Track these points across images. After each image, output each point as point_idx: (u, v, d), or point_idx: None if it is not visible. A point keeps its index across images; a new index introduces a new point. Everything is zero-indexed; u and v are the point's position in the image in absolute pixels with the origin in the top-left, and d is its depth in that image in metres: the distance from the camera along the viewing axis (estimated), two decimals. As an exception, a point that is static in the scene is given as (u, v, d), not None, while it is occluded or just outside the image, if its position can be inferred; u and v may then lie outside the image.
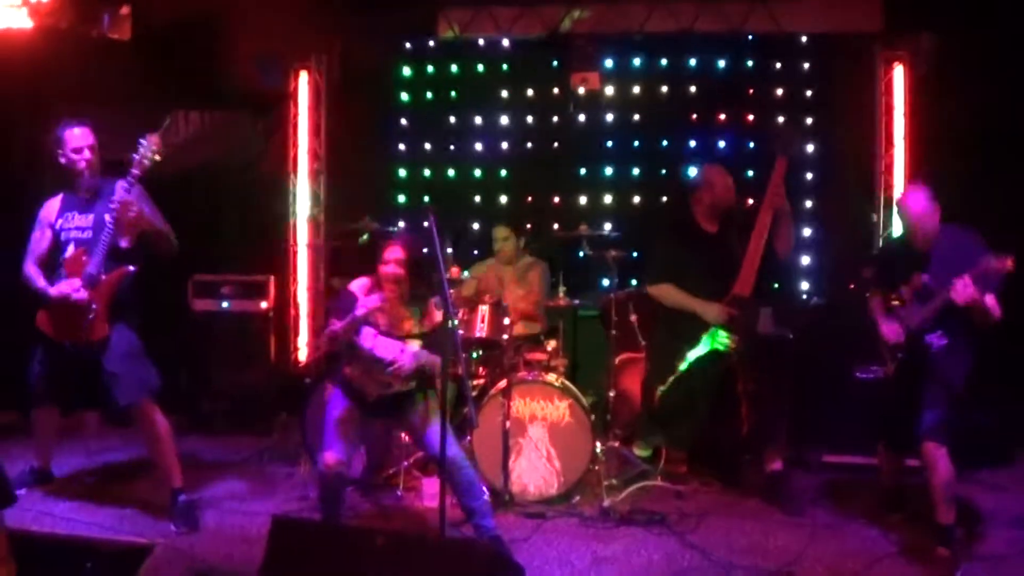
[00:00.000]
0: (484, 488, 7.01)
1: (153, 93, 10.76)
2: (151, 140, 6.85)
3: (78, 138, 7.07)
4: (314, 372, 9.72)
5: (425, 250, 6.48)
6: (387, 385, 6.55)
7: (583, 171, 11.47)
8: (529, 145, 11.59)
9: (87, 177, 7.09)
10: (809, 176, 11.02)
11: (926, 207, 6.75)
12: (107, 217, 6.80)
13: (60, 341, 7.02)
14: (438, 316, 6.55)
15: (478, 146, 11.66)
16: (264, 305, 10.42)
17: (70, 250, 6.99)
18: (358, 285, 6.66)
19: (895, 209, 7.27)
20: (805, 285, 10.99)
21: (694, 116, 11.27)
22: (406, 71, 11.80)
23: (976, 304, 6.29)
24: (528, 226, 10.73)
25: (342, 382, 6.69)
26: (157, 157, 6.86)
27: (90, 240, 6.94)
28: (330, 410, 6.62)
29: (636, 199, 11.32)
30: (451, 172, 11.68)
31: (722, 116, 11.21)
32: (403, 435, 7.92)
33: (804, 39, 10.91)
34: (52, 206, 7.22)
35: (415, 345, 6.54)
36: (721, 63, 11.22)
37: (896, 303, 7.01)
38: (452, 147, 11.73)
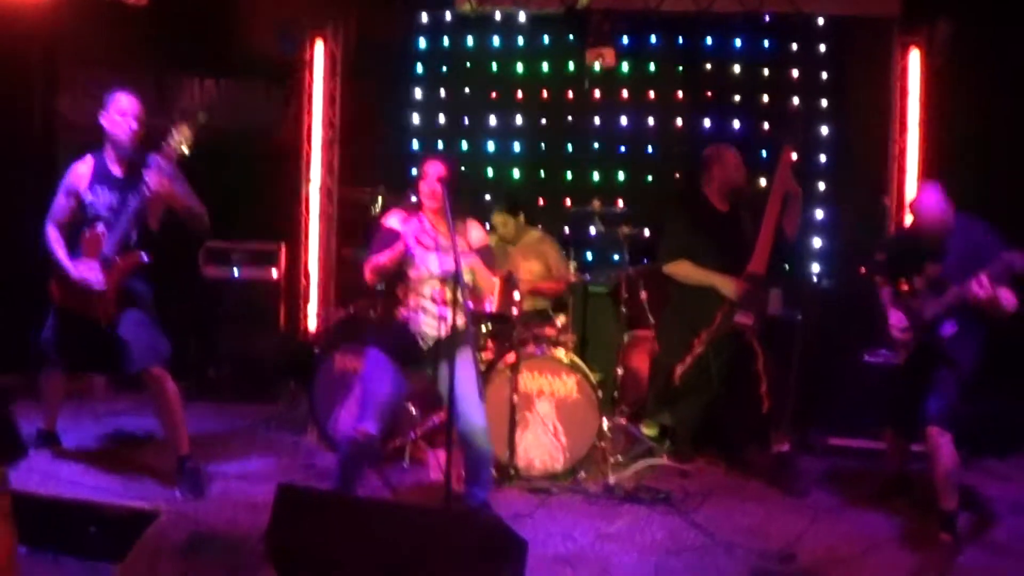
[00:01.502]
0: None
1: (169, 59, 10.77)
2: (182, 130, 6.81)
3: (127, 104, 6.98)
4: (323, 341, 9.74)
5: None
6: (441, 319, 6.49)
7: (596, 147, 11.46)
8: (543, 120, 11.57)
9: (126, 147, 6.99)
10: (823, 159, 11.00)
11: (939, 207, 6.74)
12: (134, 199, 6.78)
13: (71, 309, 7.03)
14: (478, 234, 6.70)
15: (492, 120, 11.64)
16: (275, 273, 10.44)
17: (95, 227, 6.94)
18: (396, 217, 6.63)
19: (908, 208, 7.24)
20: (816, 267, 10.99)
21: (709, 95, 11.25)
22: (422, 43, 11.77)
23: (993, 302, 6.28)
24: (540, 201, 10.73)
25: (389, 336, 6.61)
26: (185, 149, 6.83)
27: (113, 220, 6.91)
28: (371, 379, 6.54)
29: (649, 177, 11.32)
30: (464, 145, 11.67)
31: (737, 97, 11.20)
32: (411, 406, 7.94)
33: (821, 21, 10.90)
34: (81, 173, 7.08)
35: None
36: (737, 43, 11.20)
37: (906, 288, 7.00)
38: (466, 120, 11.70)
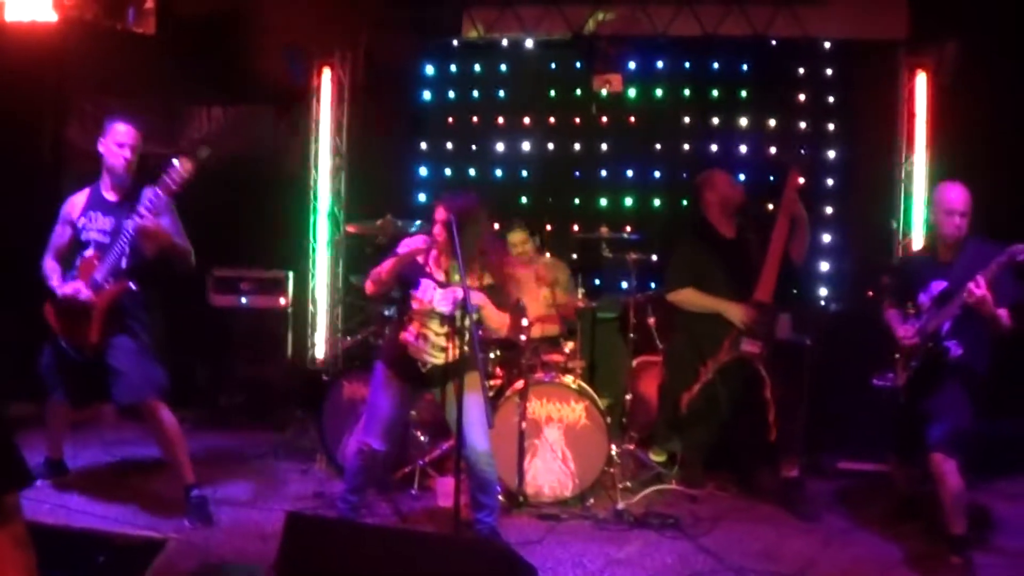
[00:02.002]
0: (499, 489, 7.01)
1: (176, 87, 10.81)
2: (184, 165, 6.75)
3: (123, 134, 7.04)
4: (331, 369, 9.74)
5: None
6: (441, 350, 6.53)
7: (604, 173, 11.46)
8: (551, 146, 11.57)
9: (121, 175, 7.05)
10: (830, 182, 10.99)
11: (962, 198, 6.75)
12: (128, 224, 6.78)
13: (61, 337, 7.05)
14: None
15: (500, 146, 11.65)
16: (282, 301, 10.45)
17: (88, 252, 6.98)
18: (413, 240, 6.68)
19: (928, 201, 7.21)
20: (824, 291, 10.97)
21: (716, 120, 11.27)
22: (429, 70, 11.80)
23: (986, 304, 6.26)
24: (548, 227, 10.75)
25: (395, 354, 6.66)
26: (185, 182, 6.82)
27: (106, 245, 6.92)
28: (376, 394, 6.67)
29: (657, 202, 11.32)
30: (472, 172, 11.66)
31: (744, 121, 11.20)
32: (419, 434, 7.95)
33: (828, 44, 10.89)
34: (76, 202, 7.19)
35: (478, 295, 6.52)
36: (745, 67, 11.20)
37: (912, 312, 7.00)
38: (474, 147, 11.72)
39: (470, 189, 7.04)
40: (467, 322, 6.19)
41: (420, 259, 6.54)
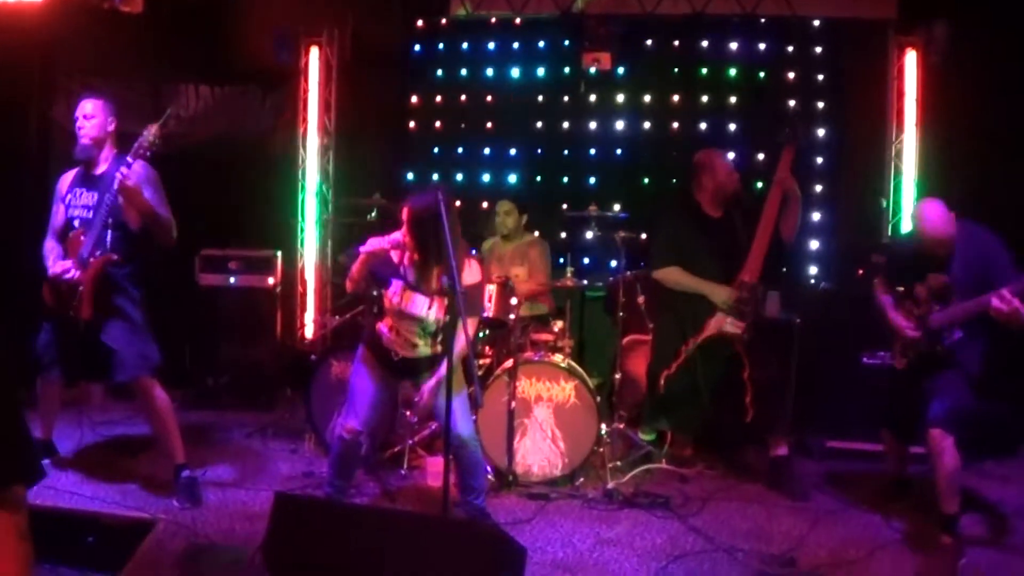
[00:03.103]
0: (487, 469, 6.98)
1: (164, 67, 10.77)
2: (151, 130, 6.74)
3: (89, 108, 7.01)
4: (320, 349, 9.73)
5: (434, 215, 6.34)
6: (413, 346, 6.53)
7: (593, 151, 11.45)
8: (539, 125, 11.55)
9: (86, 147, 7.00)
10: (819, 161, 10.97)
11: (943, 221, 6.71)
12: (107, 197, 6.75)
13: (58, 315, 7.02)
14: (468, 275, 6.50)
15: (488, 124, 11.63)
16: (271, 281, 10.43)
17: (75, 229, 6.95)
18: (377, 239, 6.57)
19: (912, 219, 7.19)
20: (814, 270, 10.96)
21: (705, 99, 11.24)
22: (417, 48, 11.77)
23: (1015, 315, 6.23)
24: (537, 205, 10.74)
25: (373, 340, 6.63)
26: (155, 147, 6.79)
27: (90, 220, 6.89)
28: (357, 376, 6.62)
29: (646, 180, 11.29)
30: (460, 150, 11.66)
31: (733, 99, 11.18)
32: (408, 414, 7.93)
33: (817, 23, 10.89)
34: (66, 179, 7.17)
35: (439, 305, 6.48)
36: (733, 46, 11.17)
37: (903, 292, 6.98)
38: (463, 125, 11.69)
39: (439, 185, 6.93)
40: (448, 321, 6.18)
41: (395, 257, 6.46)
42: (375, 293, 6.87)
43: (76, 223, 6.95)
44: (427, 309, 6.39)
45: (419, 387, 6.64)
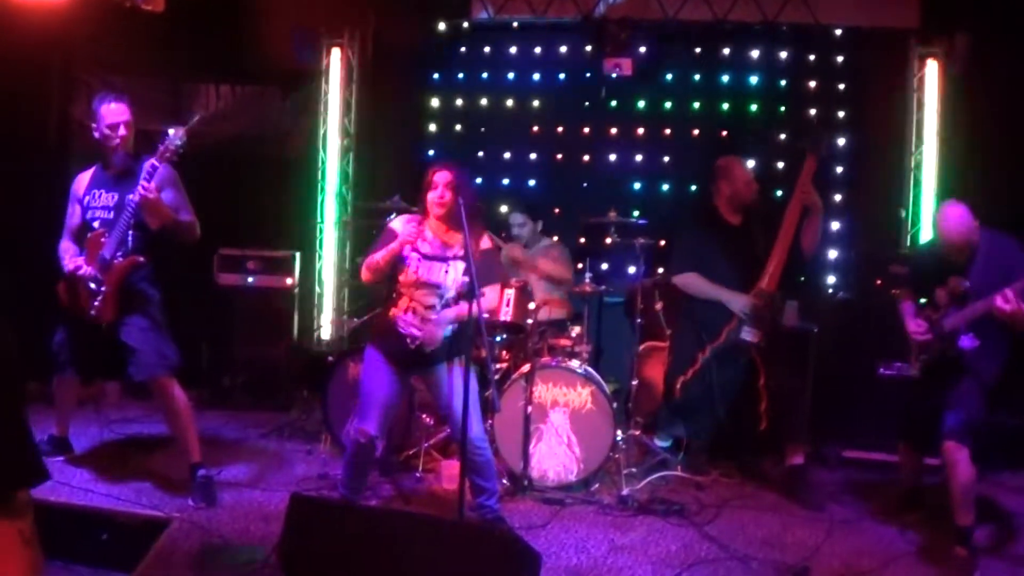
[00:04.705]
0: (495, 471, 6.96)
1: (184, 66, 10.80)
2: (178, 133, 6.76)
3: (114, 113, 6.99)
4: (337, 350, 9.73)
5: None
6: (428, 322, 6.46)
7: (613, 157, 11.43)
8: (560, 129, 11.55)
9: (120, 154, 7.03)
10: (839, 170, 10.95)
11: (965, 224, 6.66)
12: (131, 198, 6.75)
13: (75, 315, 7.02)
14: (483, 243, 6.60)
15: (509, 129, 11.63)
16: (289, 281, 10.45)
17: (94, 229, 6.95)
18: (401, 220, 6.59)
19: (933, 224, 7.15)
20: (832, 279, 10.95)
21: (726, 106, 11.23)
22: (439, 51, 11.76)
23: (1017, 316, 6.22)
24: (556, 210, 10.74)
25: (385, 333, 6.56)
26: (181, 151, 6.79)
27: (111, 221, 6.91)
28: (369, 378, 6.55)
29: (665, 187, 11.30)
30: (480, 154, 11.65)
31: (754, 107, 11.17)
32: (424, 416, 7.94)
33: (839, 32, 10.87)
34: (82, 180, 7.17)
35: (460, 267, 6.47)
36: (755, 53, 11.16)
37: (926, 303, 6.97)
38: (482, 129, 11.70)
39: (466, 167, 6.94)
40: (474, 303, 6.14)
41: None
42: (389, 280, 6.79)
43: (96, 224, 6.96)
44: (444, 274, 6.39)
45: (430, 382, 6.67)
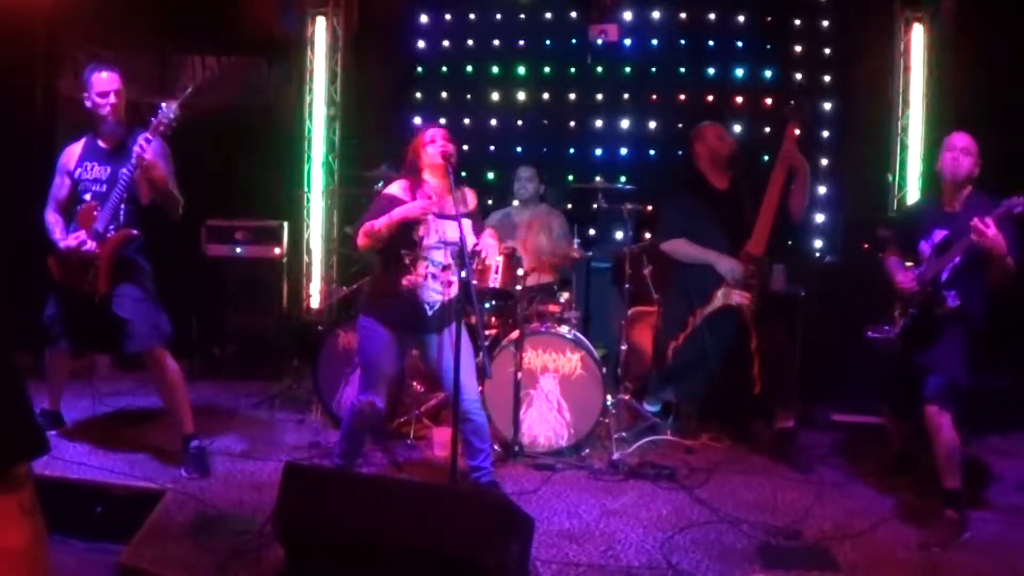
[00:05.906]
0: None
1: (169, 37, 10.75)
2: (171, 106, 6.76)
3: (105, 82, 6.98)
4: (326, 319, 9.75)
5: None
6: (448, 284, 6.48)
7: (599, 123, 11.43)
8: (546, 96, 11.56)
9: (111, 123, 7.02)
10: (825, 134, 10.96)
11: (963, 137, 6.66)
12: (124, 171, 6.77)
13: (67, 288, 7.03)
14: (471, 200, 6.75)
15: (495, 96, 11.63)
16: (277, 251, 10.46)
17: (87, 202, 6.95)
18: (399, 187, 6.58)
19: (923, 156, 7.13)
20: (819, 243, 10.96)
21: (711, 71, 11.22)
22: (424, 18, 11.75)
23: (996, 247, 6.18)
24: (544, 176, 10.76)
25: (387, 303, 6.52)
26: (174, 124, 6.80)
27: (104, 194, 6.91)
28: (370, 349, 6.55)
29: (652, 152, 11.29)
30: (467, 121, 11.65)
31: (740, 71, 11.17)
32: (415, 384, 7.96)
33: (824, -4, 10.87)
34: (72, 152, 7.15)
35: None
36: (740, 18, 11.15)
37: (912, 265, 6.98)
38: (468, 96, 11.69)
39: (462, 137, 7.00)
40: (468, 262, 6.17)
41: (408, 198, 6.47)
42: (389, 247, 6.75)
43: (88, 196, 6.96)
44: (461, 229, 6.31)
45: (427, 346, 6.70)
